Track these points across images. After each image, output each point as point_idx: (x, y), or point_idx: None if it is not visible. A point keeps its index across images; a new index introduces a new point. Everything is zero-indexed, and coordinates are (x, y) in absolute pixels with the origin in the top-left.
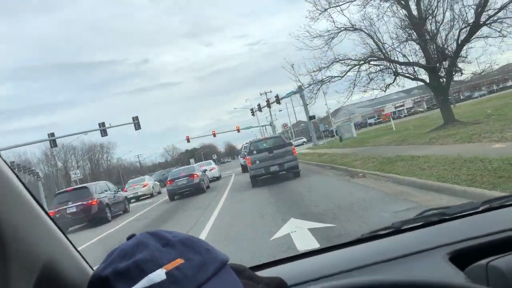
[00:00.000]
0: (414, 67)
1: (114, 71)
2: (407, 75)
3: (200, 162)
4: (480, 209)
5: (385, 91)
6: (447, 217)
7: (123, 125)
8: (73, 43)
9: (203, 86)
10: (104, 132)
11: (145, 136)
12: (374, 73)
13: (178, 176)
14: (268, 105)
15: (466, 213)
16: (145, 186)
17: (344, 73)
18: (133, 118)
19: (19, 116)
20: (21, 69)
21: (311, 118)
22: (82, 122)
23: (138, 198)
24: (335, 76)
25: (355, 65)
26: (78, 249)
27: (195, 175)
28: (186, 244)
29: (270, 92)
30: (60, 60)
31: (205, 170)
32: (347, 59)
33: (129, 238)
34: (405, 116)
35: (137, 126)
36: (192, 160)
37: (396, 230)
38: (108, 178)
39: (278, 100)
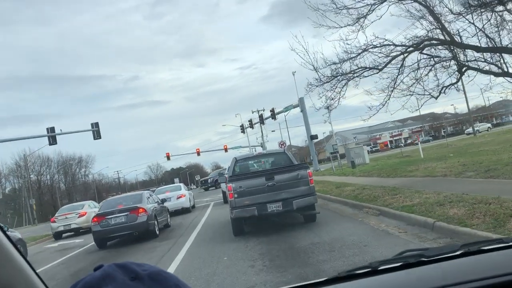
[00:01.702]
0: (503, 54)
1: (105, 86)
2: (492, 67)
3: (164, 186)
4: (458, 252)
5: (436, 98)
6: (425, 259)
7: (80, 133)
8: (66, 56)
9: (193, 107)
10: (52, 140)
11: (131, 153)
12: (425, 67)
13: (112, 210)
14: (262, 120)
15: (444, 256)
16: (82, 216)
17: (383, 65)
18: (92, 124)
19: (3, 125)
20: (10, 79)
21: (313, 137)
22: (67, 135)
23: (78, 231)
24: (370, 68)
25: (401, 53)
26: None
27: (140, 210)
28: (155, 279)
29: (263, 110)
30: (52, 72)
31: (163, 201)
32: (387, 44)
33: (96, 269)
34: (405, 145)
35: (96, 134)
36: (176, 180)
37: (373, 270)
38: (84, 194)
39: (273, 114)
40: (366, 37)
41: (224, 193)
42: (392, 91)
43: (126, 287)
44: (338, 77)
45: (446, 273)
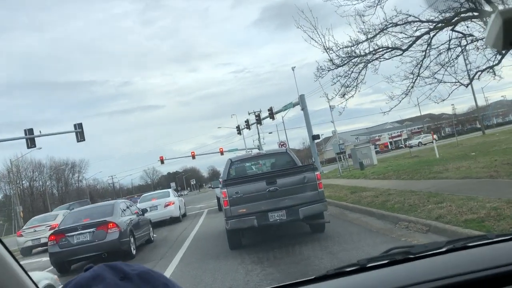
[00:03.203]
0: None
1: (98, 91)
2: None
3: (150, 193)
4: (444, 249)
5: (466, 86)
6: (411, 256)
7: (64, 134)
8: (59, 62)
9: (187, 111)
10: (31, 142)
11: (126, 157)
12: (456, 48)
13: (75, 226)
14: (259, 121)
15: (430, 252)
16: (53, 228)
17: (408, 44)
18: (75, 125)
19: None
20: (3, 85)
21: (315, 137)
22: (61, 140)
23: None
24: (393, 48)
25: (429, 30)
26: None
27: (109, 225)
28: (143, 278)
29: (260, 111)
30: (45, 79)
31: (144, 211)
32: (412, 21)
33: (86, 270)
34: (407, 146)
35: (80, 136)
36: (172, 184)
37: (361, 267)
38: (78, 200)
39: (271, 114)
40: (385, 14)
41: (218, 199)
42: (417, 77)
43: (116, 287)
44: (355, 59)
45: (431, 268)
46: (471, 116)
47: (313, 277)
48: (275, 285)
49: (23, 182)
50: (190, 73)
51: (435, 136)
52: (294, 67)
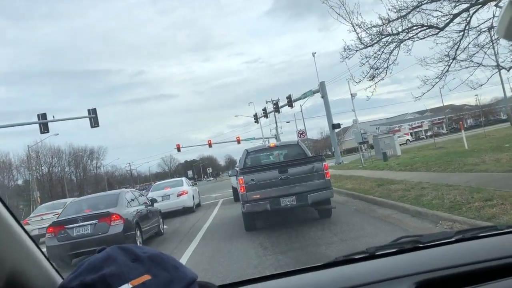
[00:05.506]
0: None
1: (115, 80)
2: None
3: (164, 181)
4: (453, 239)
5: (508, 70)
6: (420, 245)
7: (77, 119)
8: (77, 51)
9: (204, 100)
10: (44, 128)
11: (145, 145)
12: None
13: (75, 218)
14: (277, 109)
15: (439, 242)
16: None
17: (445, 23)
18: (89, 111)
19: (15, 119)
20: (22, 74)
21: (335, 126)
22: (79, 128)
23: None
24: (429, 27)
25: (470, 5)
26: None
27: (112, 217)
28: (154, 260)
29: (278, 100)
30: (63, 67)
31: (153, 201)
32: None
33: (99, 251)
34: (428, 137)
35: (94, 122)
36: (189, 172)
37: (370, 255)
38: (96, 187)
39: (290, 102)
40: None
41: (234, 189)
42: (453, 59)
43: (127, 267)
44: (386, 38)
45: (440, 257)
46: (495, 107)
47: (322, 264)
48: (285, 271)
49: (43, 168)
50: (205, 63)
51: (408, 138)
52: (315, 52)
